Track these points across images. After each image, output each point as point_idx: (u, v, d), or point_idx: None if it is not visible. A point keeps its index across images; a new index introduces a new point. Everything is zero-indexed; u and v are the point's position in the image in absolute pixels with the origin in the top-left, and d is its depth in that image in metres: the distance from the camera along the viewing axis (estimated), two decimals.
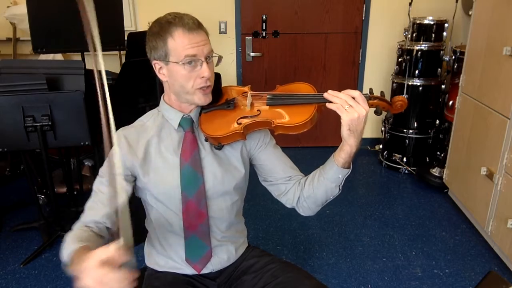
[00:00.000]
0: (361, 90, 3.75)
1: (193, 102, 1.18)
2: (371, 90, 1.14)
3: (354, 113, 1.03)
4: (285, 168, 1.29)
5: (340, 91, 1.08)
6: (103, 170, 1.17)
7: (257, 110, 1.17)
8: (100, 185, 1.16)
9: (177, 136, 1.22)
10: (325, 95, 1.08)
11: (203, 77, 1.12)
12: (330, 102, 1.07)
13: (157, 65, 1.16)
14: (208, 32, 1.17)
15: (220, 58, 1.19)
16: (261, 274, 1.28)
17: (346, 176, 1.17)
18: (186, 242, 1.24)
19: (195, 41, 1.10)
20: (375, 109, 1.11)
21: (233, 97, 1.24)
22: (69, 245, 1.01)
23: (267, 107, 1.17)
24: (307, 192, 1.23)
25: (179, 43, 1.10)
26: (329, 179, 1.17)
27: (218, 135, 1.16)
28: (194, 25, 1.11)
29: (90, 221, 1.11)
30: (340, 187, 1.19)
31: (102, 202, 1.13)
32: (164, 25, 1.11)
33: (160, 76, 1.18)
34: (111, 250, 0.79)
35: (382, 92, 1.14)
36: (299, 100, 1.14)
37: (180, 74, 1.12)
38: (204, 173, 1.21)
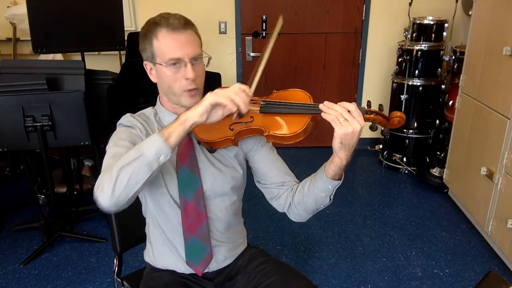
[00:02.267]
0: (360, 91, 3.81)
1: (181, 104, 1.16)
2: (369, 103, 1.10)
3: (348, 127, 1.00)
4: (279, 173, 1.28)
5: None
6: (116, 141, 1.10)
7: (250, 117, 1.14)
8: (116, 148, 1.07)
9: None
10: (320, 106, 1.05)
11: (187, 78, 1.11)
12: (325, 112, 1.04)
13: (147, 66, 1.18)
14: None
15: (209, 59, 1.19)
16: (254, 274, 1.28)
17: (337, 187, 1.15)
18: (186, 245, 1.23)
19: (179, 42, 1.09)
20: (370, 123, 1.08)
21: None
22: (143, 142, 0.97)
23: (261, 114, 1.14)
24: (297, 199, 1.23)
25: (163, 44, 1.10)
26: (319, 188, 1.16)
27: (210, 140, 1.15)
28: (180, 25, 1.10)
29: None
30: (331, 197, 1.18)
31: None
32: (151, 26, 1.11)
33: (151, 77, 1.19)
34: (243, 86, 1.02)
35: (380, 106, 1.09)
36: (293, 110, 1.12)
37: (166, 75, 1.12)
38: (202, 174, 1.21)
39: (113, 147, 1.08)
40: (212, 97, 1.00)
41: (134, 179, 0.94)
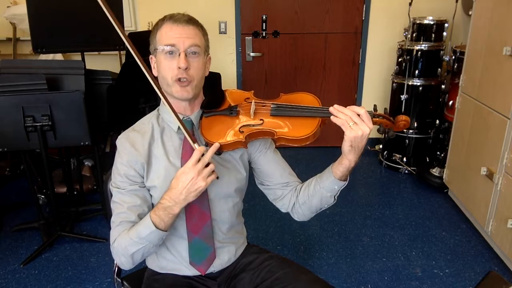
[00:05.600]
0: (360, 91, 3.81)
1: (172, 95, 1.17)
2: (375, 107, 1.13)
3: (358, 130, 1.02)
4: (283, 174, 1.29)
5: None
6: (118, 183, 1.18)
7: (260, 119, 1.15)
8: (121, 196, 1.18)
9: (177, 139, 1.22)
10: (331, 109, 1.07)
11: (179, 67, 1.12)
12: (335, 116, 1.06)
13: (152, 60, 1.20)
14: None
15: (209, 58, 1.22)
16: (259, 271, 1.28)
17: (342, 188, 1.17)
18: (190, 245, 1.23)
19: (177, 32, 1.12)
20: (378, 127, 1.11)
21: (236, 104, 1.22)
22: (141, 222, 1.11)
23: (271, 117, 1.16)
24: (302, 198, 1.24)
25: (163, 32, 1.14)
26: (325, 188, 1.17)
27: (220, 143, 1.15)
28: (183, 19, 1.14)
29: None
30: (335, 197, 1.20)
31: (128, 211, 1.16)
32: (158, 22, 1.17)
33: (154, 72, 1.20)
34: (199, 149, 1.06)
35: (385, 109, 1.14)
36: (304, 113, 1.13)
37: (162, 64, 1.15)
38: None
39: (116, 193, 1.18)
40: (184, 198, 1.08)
41: (147, 253, 1.15)
